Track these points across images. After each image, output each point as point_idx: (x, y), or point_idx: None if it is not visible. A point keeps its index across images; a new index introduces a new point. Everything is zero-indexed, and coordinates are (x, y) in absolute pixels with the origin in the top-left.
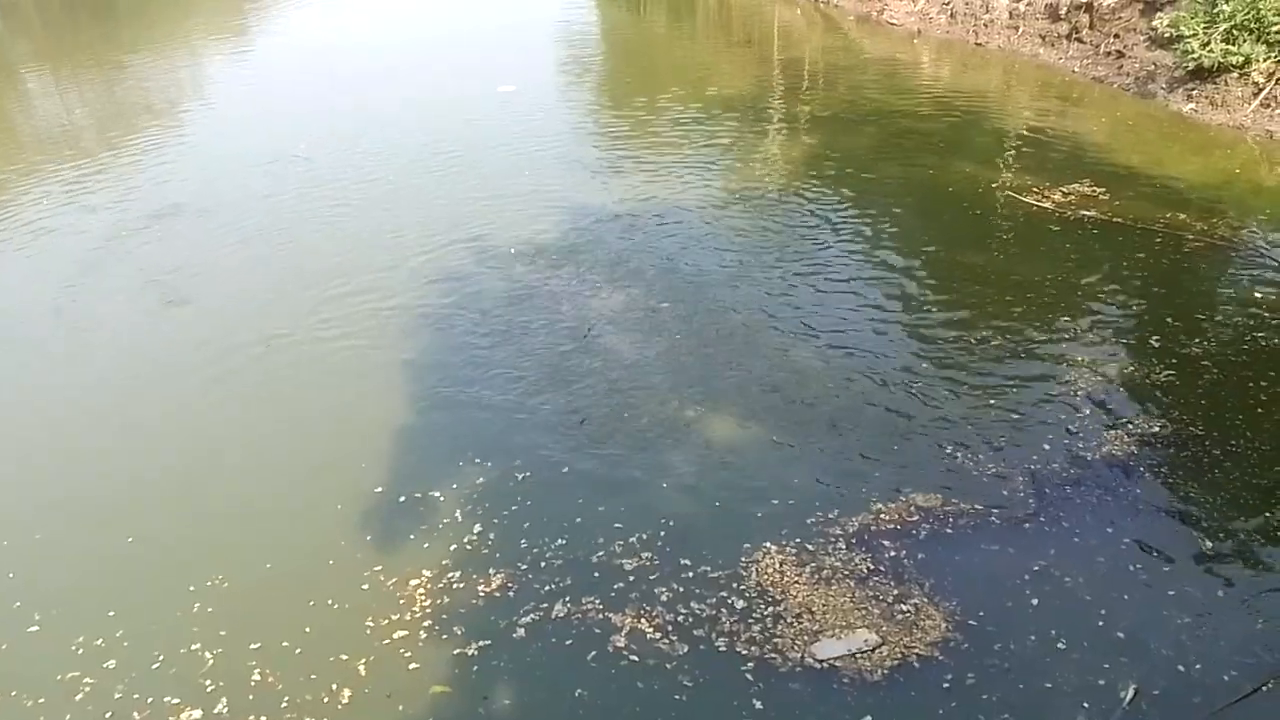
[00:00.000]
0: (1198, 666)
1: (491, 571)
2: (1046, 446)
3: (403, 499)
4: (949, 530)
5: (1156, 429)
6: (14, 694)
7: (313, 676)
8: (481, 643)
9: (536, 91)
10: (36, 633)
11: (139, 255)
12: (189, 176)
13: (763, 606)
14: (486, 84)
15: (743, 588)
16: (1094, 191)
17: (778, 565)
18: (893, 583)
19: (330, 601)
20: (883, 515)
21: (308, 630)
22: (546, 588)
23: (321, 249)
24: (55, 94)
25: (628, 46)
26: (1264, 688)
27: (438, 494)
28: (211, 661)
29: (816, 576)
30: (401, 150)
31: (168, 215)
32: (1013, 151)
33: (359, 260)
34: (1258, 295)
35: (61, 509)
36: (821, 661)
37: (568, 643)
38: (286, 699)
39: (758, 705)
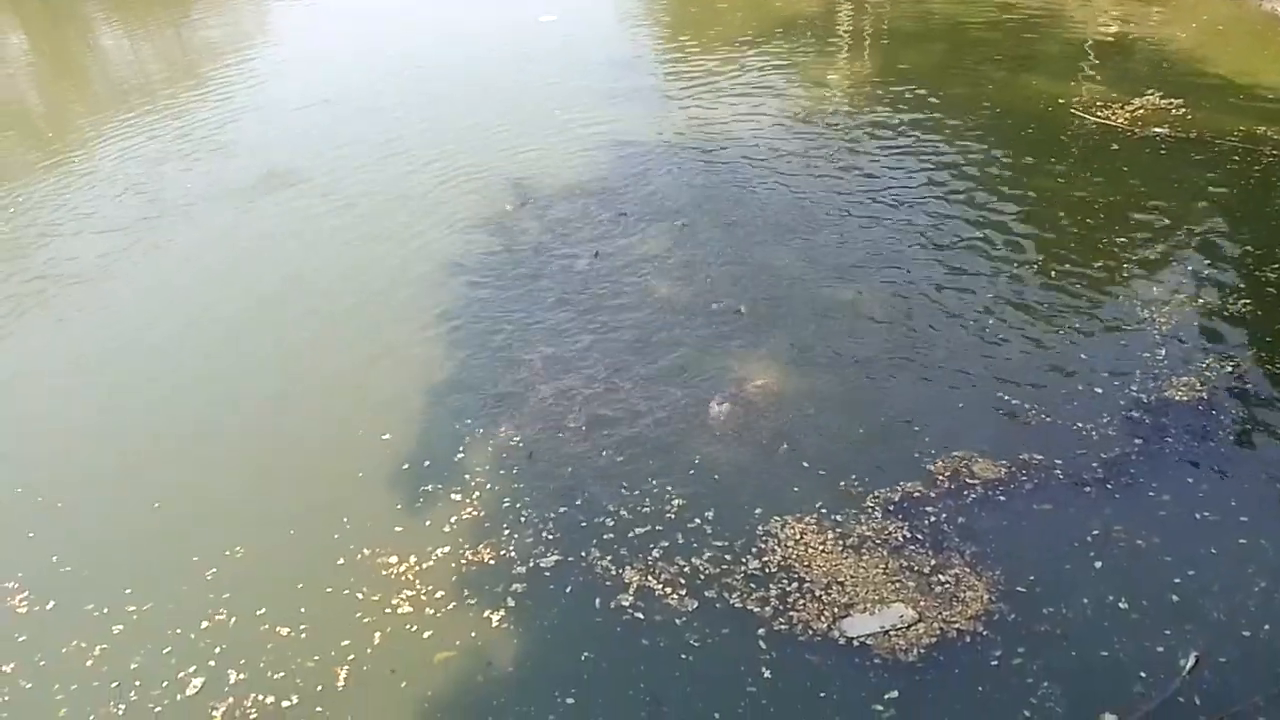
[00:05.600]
0: (1267, 629)
1: (498, 536)
2: (1109, 393)
3: (407, 465)
4: (1001, 495)
5: (1231, 369)
6: (37, 658)
7: (318, 653)
8: (487, 607)
9: (579, 18)
10: (53, 607)
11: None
12: (237, 123)
13: (785, 580)
14: (528, 11)
15: (766, 558)
16: (1170, 105)
17: (799, 535)
18: (931, 551)
19: (341, 571)
20: (930, 474)
21: (314, 604)
22: (552, 550)
23: (350, 193)
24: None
25: None
26: None
27: (450, 457)
28: (226, 630)
29: (844, 545)
30: (437, 92)
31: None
32: (1088, 63)
33: (389, 206)
34: None
35: (89, 476)
36: (852, 639)
37: (574, 602)
38: (297, 659)
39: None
